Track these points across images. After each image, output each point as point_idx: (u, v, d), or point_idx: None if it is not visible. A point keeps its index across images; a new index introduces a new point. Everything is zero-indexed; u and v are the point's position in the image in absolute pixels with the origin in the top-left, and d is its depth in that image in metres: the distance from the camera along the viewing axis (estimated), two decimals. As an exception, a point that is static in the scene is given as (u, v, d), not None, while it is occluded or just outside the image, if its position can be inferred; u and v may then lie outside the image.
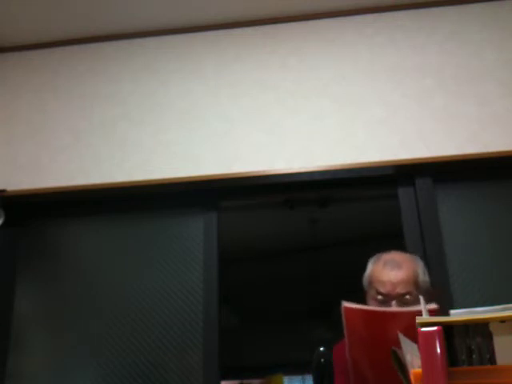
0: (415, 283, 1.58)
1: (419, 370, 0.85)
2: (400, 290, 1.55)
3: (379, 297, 1.57)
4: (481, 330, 0.85)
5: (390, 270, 1.58)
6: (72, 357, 2.35)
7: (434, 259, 2.24)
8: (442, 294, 1.83)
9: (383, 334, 1.25)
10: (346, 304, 1.30)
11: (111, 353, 2.34)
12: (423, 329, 0.84)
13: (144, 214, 2.55)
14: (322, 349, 1.20)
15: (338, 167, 2.35)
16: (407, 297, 1.54)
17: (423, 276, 1.62)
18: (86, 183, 2.48)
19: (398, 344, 1.24)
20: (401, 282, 1.56)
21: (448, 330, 0.86)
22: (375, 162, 2.33)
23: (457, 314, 0.89)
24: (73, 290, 2.46)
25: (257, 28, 2.68)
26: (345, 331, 1.31)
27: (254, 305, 5.93)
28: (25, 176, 2.54)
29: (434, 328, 0.84)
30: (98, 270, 2.48)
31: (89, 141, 2.57)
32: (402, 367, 1.08)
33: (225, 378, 5.94)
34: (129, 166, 2.50)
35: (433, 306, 1.24)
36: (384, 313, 1.26)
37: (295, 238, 4.81)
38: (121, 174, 2.48)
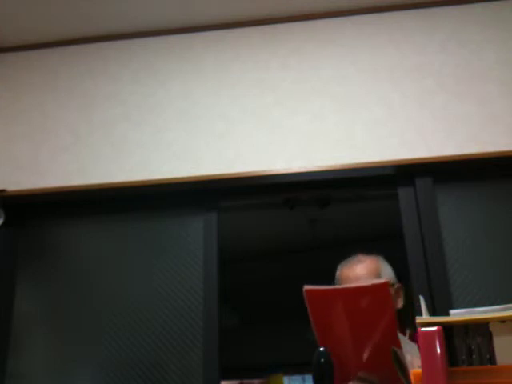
0: (377, 275, 1.68)
1: (419, 370, 0.85)
2: (363, 280, 1.64)
3: None
4: (481, 330, 0.85)
5: (353, 266, 1.71)
6: (72, 357, 2.35)
7: (433, 259, 2.24)
8: (406, 288, 1.89)
9: (347, 311, 1.29)
10: (306, 287, 1.32)
11: (111, 353, 2.34)
12: (423, 329, 0.85)
13: (144, 213, 2.55)
14: (321, 349, 1.20)
15: (338, 167, 2.35)
16: None
17: (386, 269, 1.72)
18: (85, 183, 2.48)
19: (362, 320, 1.27)
20: (363, 274, 1.67)
21: (448, 330, 0.87)
22: (375, 162, 2.33)
23: (457, 314, 0.90)
24: (73, 289, 2.46)
25: (257, 28, 2.68)
26: (310, 315, 1.34)
27: (254, 305, 5.93)
28: (25, 176, 2.54)
29: (434, 328, 0.84)
30: (97, 270, 2.48)
31: (89, 141, 2.57)
32: (402, 367, 1.08)
33: (225, 378, 5.94)
34: (129, 166, 2.50)
35: (380, 280, 1.28)
36: (345, 289, 1.30)
37: (295, 238, 4.81)
38: (121, 174, 2.48)
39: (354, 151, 2.38)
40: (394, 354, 1.11)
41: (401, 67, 2.51)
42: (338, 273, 1.78)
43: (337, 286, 1.33)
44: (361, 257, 1.75)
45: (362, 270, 1.68)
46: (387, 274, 1.71)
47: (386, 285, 1.27)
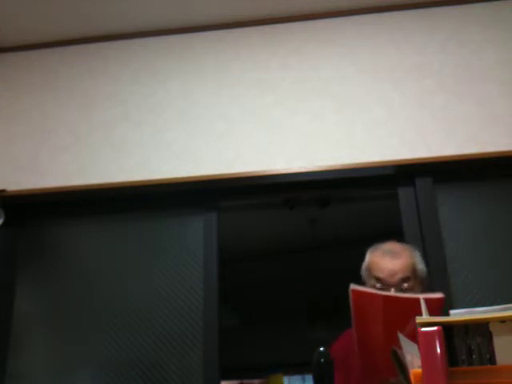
0: (413, 271, 1.63)
1: (419, 370, 0.85)
2: (399, 276, 1.60)
3: (378, 285, 1.61)
4: (481, 330, 0.85)
5: (388, 259, 1.63)
6: (72, 357, 2.35)
7: (433, 259, 2.23)
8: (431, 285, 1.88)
9: (390, 317, 1.28)
10: (353, 287, 1.33)
11: (111, 353, 2.34)
12: (423, 329, 0.85)
13: (144, 213, 2.55)
14: (321, 349, 1.20)
15: (338, 167, 2.34)
16: (405, 285, 1.60)
17: (420, 265, 1.67)
18: (85, 183, 2.48)
19: (404, 327, 1.25)
20: (400, 269, 1.61)
21: (448, 330, 0.86)
22: (375, 162, 2.33)
23: (457, 314, 0.90)
24: (73, 290, 2.46)
25: (257, 28, 2.68)
26: (352, 313, 1.33)
27: (254, 305, 5.93)
28: (25, 176, 2.54)
29: (434, 328, 0.84)
30: (98, 270, 2.48)
31: (89, 141, 2.57)
32: (402, 367, 1.08)
33: (225, 378, 5.94)
34: (129, 166, 2.50)
35: (439, 294, 1.26)
36: (394, 298, 1.29)
37: (295, 238, 4.81)
38: (121, 173, 2.48)
39: (354, 151, 2.38)
40: (393, 354, 1.11)
41: (401, 67, 2.51)
42: (367, 260, 1.70)
43: (386, 293, 1.31)
44: (395, 247, 1.68)
45: (398, 264, 1.61)
46: (420, 269, 1.66)
47: (441, 300, 1.26)
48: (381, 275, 1.62)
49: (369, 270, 1.68)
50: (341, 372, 1.60)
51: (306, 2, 2.59)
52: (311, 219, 4.47)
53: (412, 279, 1.61)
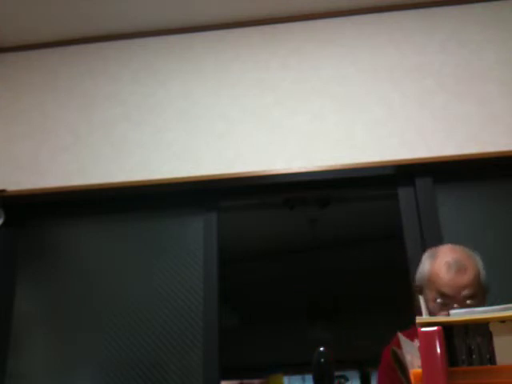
0: (479, 284, 1.53)
1: (419, 370, 0.85)
2: (466, 292, 1.50)
3: (439, 300, 1.52)
4: (481, 330, 0.85)
5: (455, 273, 1.52)
6: (72, 357, 2.35)
7: (433, 259, 2.23)
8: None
9: None
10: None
11: (111, 353, 2.34)
12: (423, 329, 0.85)
13: (144, 213, 2.55)
14: (322, 349, 1.20)
15: (338, 167, 2.35)
16: (469, 302, 1.50)
17: (483, 272, 1.58)
18: (85, 183, 2.48)
19: None
20: (467, 285, 1.51)
21: (448, 330, 0.87)
22: (375, 162, 2.33)
23: (457, 314, 0.89)
24: (73, 290, 2.46)
25: (257, 28, 2.68)
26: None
27: (254, 305, 5.93)
28: (25, 176, 2.54)
29: (434, 328, 0.84)
30: (98, 270, 2.48)
31: (89, 141, 2.57)
32: (402, 367, 1.08)
33: (225, 378, 5.94)
34: (129, 166, 2.50)
35: None
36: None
37: (295, 238, 4.81)
38: (121, 173, 2.48)
39: (354, 151, 2.38)
40: (393, 354, 1.11)
41: (401, 67, 2.51)
42: (428, 269, 1.56)
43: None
44: (459, 257, 1.54)
45: (466, 280, 1.50)
46: (485, 280, 1.56)
47: None
48: (446, 291, 1.51)
49: (431, 281, 1.55)
50: (389, 376, 1.56)
51: (305, 2, 2.59)
52: (311, 219, 4.47)
53: (477, 296, 1.51)
